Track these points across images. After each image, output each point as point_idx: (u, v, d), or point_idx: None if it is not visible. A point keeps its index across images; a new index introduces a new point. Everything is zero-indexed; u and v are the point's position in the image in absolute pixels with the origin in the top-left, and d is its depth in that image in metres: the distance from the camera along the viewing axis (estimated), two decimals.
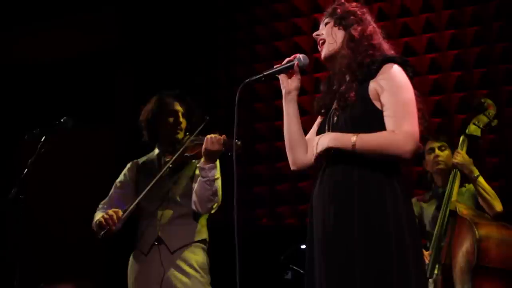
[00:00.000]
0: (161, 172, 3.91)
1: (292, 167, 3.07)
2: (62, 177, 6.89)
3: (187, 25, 6.77)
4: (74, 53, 7.25)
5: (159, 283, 3.85)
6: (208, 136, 3.77)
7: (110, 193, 4.20)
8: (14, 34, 7.37)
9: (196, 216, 3.98)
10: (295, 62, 3.00)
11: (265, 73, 3.02)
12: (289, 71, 3.02)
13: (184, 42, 6.74)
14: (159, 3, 6.87)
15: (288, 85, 3.02)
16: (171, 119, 4.11)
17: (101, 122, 6.99)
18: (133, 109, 6.55)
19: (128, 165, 4.26)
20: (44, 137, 3.94)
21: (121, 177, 4.23)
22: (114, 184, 4.23)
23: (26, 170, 3.85)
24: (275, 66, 3.04)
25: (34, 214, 5.50)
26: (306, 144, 3.01)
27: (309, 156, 2.97)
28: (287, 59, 3.04)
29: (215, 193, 3.81)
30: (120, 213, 3.83)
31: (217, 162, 3.90)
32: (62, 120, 4.01)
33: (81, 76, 7.17)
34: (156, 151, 4.20)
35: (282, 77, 3.03)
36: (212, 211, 3.91)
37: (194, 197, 3.87)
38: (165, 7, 6.84)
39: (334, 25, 2.95)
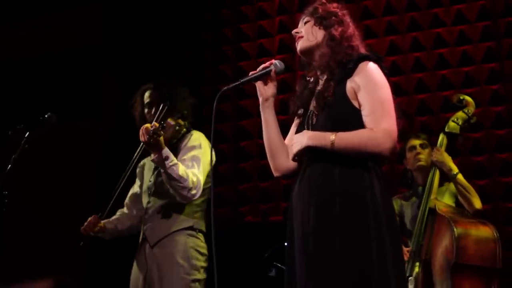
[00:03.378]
0: (131, 164, 3.97)
1: (275, 174, 3.04)
2: (47, 173, 6.87)
3: (174, 21, 6.77)
4: (61, 48, 7.24)
5: (143, 279, 3.86)
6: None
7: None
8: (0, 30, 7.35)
9: (179, 206, 3.88)
10: (272, 68, 2.97)
11: (242, 80, 2.99)
12: (265, 78, 2.99)
13: (171, 38, 6.74)
14: None
15: (265, 92, 2.99)
16: (148, 112, 4.07)
17: (86, 118, 6.98)
18: (119, 104, 6.56)
19: (140, 164, 4.27)
20: (28, 132, 3.94)
21: (136, 179, 4.28)
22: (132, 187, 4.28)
23: (9, 166, 3.85)
24: (251, 73, 3.00)
25: (18, 210, 5.50)
26: (286, 149, 2.99)
27: (291, 161, 2.96)
28: (263, 65, 3.00)
29: (180, 179, 3.68)
30: (95, 217, 3.95)
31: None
32: (46, 115, 4.01)
33: (67, 72, 7.16)
34: None
35: (258, 84, 3.00)
36: (196, 197, 3.78)
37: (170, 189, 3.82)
38: (152, 3, 6.84)
39: (315, 24, 2.95)
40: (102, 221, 4.04)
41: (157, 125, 3.59)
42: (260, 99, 3.02)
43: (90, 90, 6.95)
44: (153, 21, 6.81)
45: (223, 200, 6.10)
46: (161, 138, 3.65)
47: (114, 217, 4.16)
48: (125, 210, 4.21)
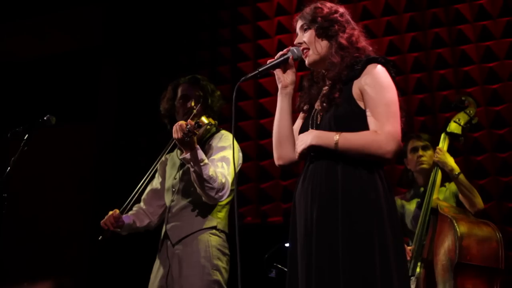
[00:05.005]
0: (157, 160, 3.91)
1: (277, 162, 3.01)
2: (46, 174, 6.87)
3: (171, 22, 6.77)
4: (59, 50, 7.24)
5: (164, 278, 3.82)
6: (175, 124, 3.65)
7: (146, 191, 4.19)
8: None
9: (203, 205, 3.82)
10: (289, 55, 2.93)
11: (260, 69, 2.94)
12: (283, 65, 2.96)
13: (168, 39, 6.73)
14: (144, 0, 6.86)
15: (284, 79, 2.96)
16: (183, 105, 4.01)
17: (85, 119, 6.98)
18: (116, 106, 6.55)
19: (160, 161, 4.19)
20: (27, 135, 3.92)
21: (155, 175, 4.21)
22: (150, 183, 4.21)
23: (8, 168, 3.83)
24: (268, 61, 2.97)
25: (17, 212, 5.49)
26: (294, 140, 2.96)
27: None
28: (280, 52, 2.97)
29: (209, 179, 3.61)
30: (117, 211, 3.85)
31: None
32: (45, 117, 3.99)
33: (65, 73, 7.15)
34: None
35: (277, 72, 2.97)
36: (223, 199, 3.73)
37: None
38: (149, 4, 6.83)
39: (317, 36, 2.90)
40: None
41: (193, 123, 3.51)
42: (279, 86, 2.98)
43: (88, 91, 6.94)
44: (151, 23, 6.80)
45: None
46: (195, 137, 3.59)
47: (131, 212, 4.06)
48: (142, 205, 4.12)
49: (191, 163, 3.60)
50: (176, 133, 3.56)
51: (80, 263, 6.46)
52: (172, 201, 3.93)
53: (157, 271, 3.90)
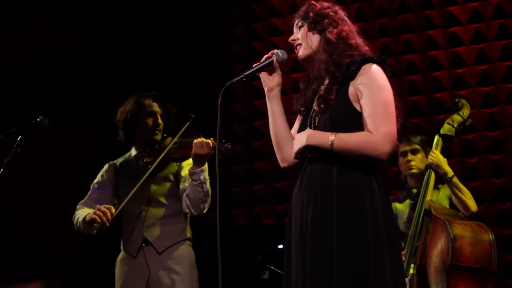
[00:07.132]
0: (147, 174, 3.93)
1: (282, 164, 3.04)
2: (38, 176, 6.85)
3: (165, 24, 6.76)
4: (52, 51, 7.22)
5: (144, 283, 3.88)
6: (196, 140, 3.79)
7: (88, 194, 4.17)
8: None
9: (179, 216, 4.02)
10: (274, 58, 2.97)
11: (245, 74, 2.96)
12: (269, 68, 3.00)
13: (162, 41, 6.73)
14: (138, 1, 6.85)
15: (270, 82, 3.00)
16: (149, 120, 4.12)
17: (79, 121, 6.96)
18: (110, 107, 6.55)
19: (106, 167, 4.25)
20: (20, 136, 3.91)
21: (98, 178, 4.21)
22: (92, 186, 4.20)
23: (1, 169, 3.82)
24: (254, 65, 3.00)
25: (10, 213, 5.47)
26: (293, 139, 2.95)
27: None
28: (265, 56, 3.01)
29: (206, 194, 3.87)
30: (113, 210, 3.84)
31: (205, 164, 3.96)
32: (38, 119, 3.98)
33: (58, 75, 7.13)
34: (133, 152, 4.19)
35: (263, 75, 3.01)
36: (204, 211, 3.95)
37: (186, 200, 3.90)
38: (144, 6, 6.82)
39: (309, 30, 2.94)
40: None
41: (220, 144, 3.70)
42: (266, 89, 3.02)
43: (82, 93, 6.93)
44: (145, 24, 6.79)
45: (216, 203, 6.07)
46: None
47: (90, 215, 3.88)
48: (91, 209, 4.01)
49: (199, 176, 3.82)
50: (202, 148, 3.77)
51: (72, 264, 6.45)
52: (145, 210, 3.99)
53: (131, 277, 3.95)
